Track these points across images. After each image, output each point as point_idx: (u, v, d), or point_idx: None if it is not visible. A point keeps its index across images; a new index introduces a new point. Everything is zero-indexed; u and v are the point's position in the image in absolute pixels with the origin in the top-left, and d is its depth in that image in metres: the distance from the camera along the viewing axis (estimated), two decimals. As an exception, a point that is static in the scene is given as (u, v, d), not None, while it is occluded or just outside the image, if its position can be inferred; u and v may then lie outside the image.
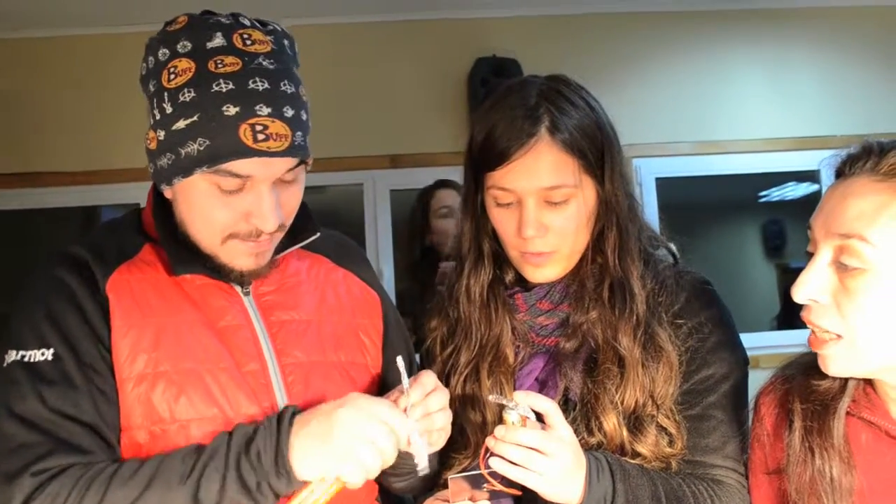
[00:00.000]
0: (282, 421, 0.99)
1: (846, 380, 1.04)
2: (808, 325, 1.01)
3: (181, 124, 0.99)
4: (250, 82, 0.98)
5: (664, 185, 3.55)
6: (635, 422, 1.17)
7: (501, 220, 1.22)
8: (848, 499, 1.00)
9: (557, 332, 1.24)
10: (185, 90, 0.98)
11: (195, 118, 0.98)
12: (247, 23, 1.03)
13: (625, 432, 1.16)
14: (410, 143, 3.53)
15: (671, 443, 1.18)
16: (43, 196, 3.47)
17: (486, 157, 1.19)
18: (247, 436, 0.99)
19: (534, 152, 1.16)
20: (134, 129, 3.36)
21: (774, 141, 3.59)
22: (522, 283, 1.29)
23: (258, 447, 0.97)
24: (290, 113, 1.01)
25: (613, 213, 1.22)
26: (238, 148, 0.98)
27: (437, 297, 1.36)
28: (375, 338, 1.24)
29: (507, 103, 1.20)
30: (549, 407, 1.07)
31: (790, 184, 4.26)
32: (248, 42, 1.00)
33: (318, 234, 1.18)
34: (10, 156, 3.44)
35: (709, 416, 1.19)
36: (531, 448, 1.04)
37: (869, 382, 1.04)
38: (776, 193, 4.60)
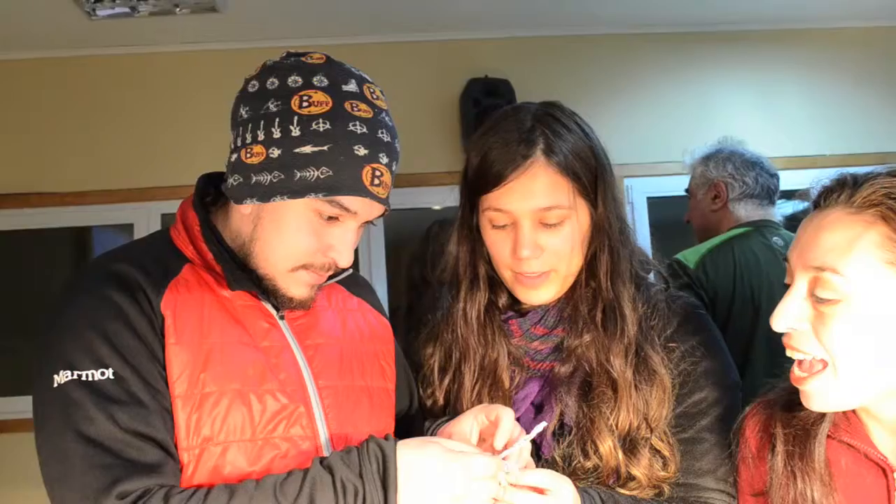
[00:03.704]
0: (387, 475, 0.98)
1: None
2: (789, 350, 1.01)
3: (307, 149, 1.03)
4: (379, 132, 1.08)
5: (655, 204, 3.56)
6: (630, 444, 1.18)
7: (496, 242, 1.23)
8: None
9: (552, 357, 1.25)
10: (320, 120, 1.04)
11: (325, 148, 1.04)
12: (370, 78, 1.11)
13: (620, 455, 1.17)
14: (402, 163, 3.44)
15: (665, 466, 1.19)
16: (32, 217, 3.43)
17: (481, 179, 1.21)
18: (354, 486, 0.97)
19: (529, 174, 1.17)
20: (124, 150, 3.42)
21: (764, 160, 3.61)
22: (515, 308, 1.30)
23: (366, 495, 0.97)
24: (394, 168, 1.11)
25: (605, 236, 1.23)
26: (358, 186, 1.05)
27: (431, 323, 1.36)
28: (392, 363, 1.28)
29: (503, 127, 1.22)
30: (547, 481, 1.05)
31: (780, 202, 4.29)
32: (374, 97, 1.10)
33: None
34: (-1, 177, 3.42)
35: (702, 440, 1.20)
36: None
37: None
38: (766, 212, 4.63)
